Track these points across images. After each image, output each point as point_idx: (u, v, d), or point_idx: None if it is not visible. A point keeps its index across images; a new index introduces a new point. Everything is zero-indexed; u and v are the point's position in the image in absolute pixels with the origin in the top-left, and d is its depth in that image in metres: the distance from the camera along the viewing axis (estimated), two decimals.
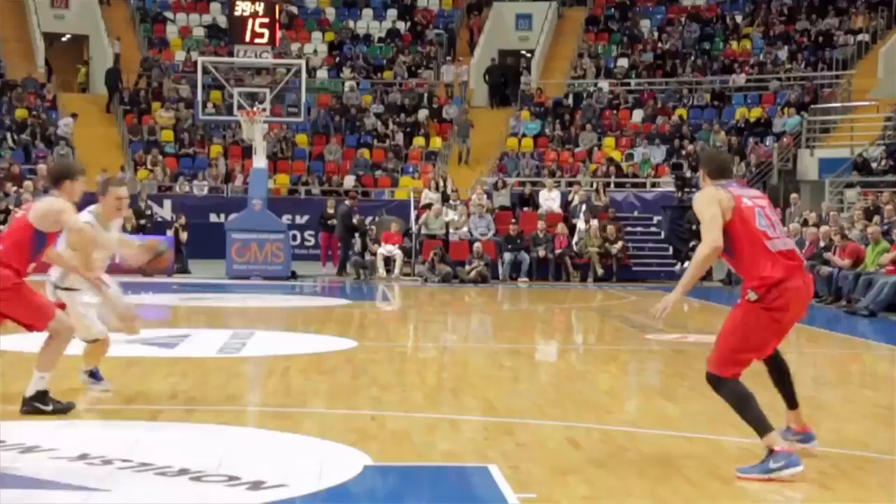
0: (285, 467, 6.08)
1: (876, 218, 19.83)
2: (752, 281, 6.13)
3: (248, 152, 27.24)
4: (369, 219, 25.33)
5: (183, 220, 23.93)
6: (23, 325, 7.38)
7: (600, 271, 23.76)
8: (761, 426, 6.04)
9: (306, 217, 27.01)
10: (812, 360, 12.18)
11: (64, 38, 35.15)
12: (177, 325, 14.05)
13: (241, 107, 23.71)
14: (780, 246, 6.19)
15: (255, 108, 23.58)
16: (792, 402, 6.61)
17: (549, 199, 25.26)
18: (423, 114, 32.52)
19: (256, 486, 5.62)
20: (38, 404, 7.39)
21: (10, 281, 7.13)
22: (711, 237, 6.21)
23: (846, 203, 25.22)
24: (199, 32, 35.34)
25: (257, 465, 6.06)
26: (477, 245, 23.31)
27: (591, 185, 27.09)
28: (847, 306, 16.87)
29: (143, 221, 23.76)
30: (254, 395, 9.05)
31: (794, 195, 24.84)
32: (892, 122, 27.56)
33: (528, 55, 35.31)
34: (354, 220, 24.21)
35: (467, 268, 23.05)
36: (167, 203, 27.01)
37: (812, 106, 29.89)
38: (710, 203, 6.25)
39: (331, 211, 24.70)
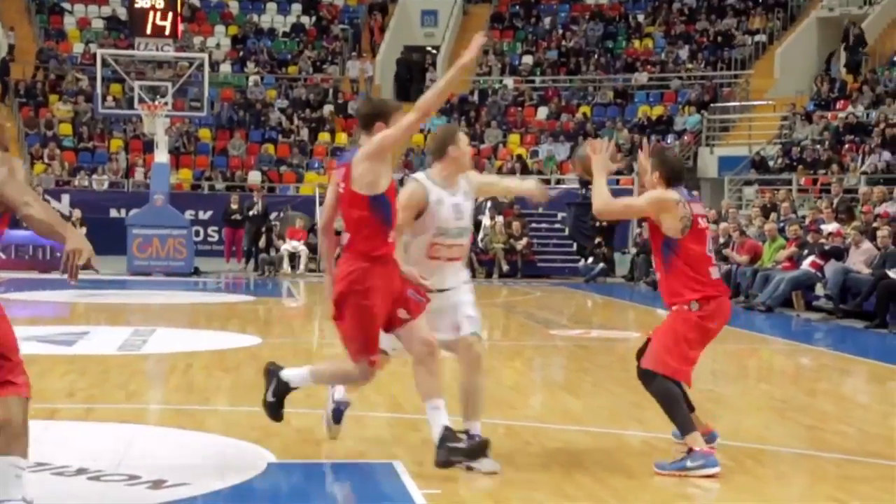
0: (187, 465, 6.00)
1: (773, 215, 20.24)
2: (694, 294, 6.14)
3: (149, 147, 26.86)
4: (274, 214, 25.15)
5: (79, 213, 23.46)
6: None
7: (505, 267, 23.95)
8: (686, 425, 6.10)
9: (209, 213, 26.74)
10: (711, 354, 12.45)
11: None
12: (75, 323, 13.80)
13: (142, 100, 23.41)
14: (715, 274, 6.30)
15: (156, 102, 23.29)
16: (689, 406, 6.63)
17: None
18: (328, 109, 32.36)
19: (157, 484, 5.53)
20: None
21: None
22: (611, 205, 6.31)
23: (745, 200, 25.68)
24: (98, 24, 34.71)
25: (158, 464, 5.97)
26: None
27: None
28: (745, 302, 17.04)
29: None
30: (155, 393, 8.95)
31: (694, 192, 25.27)
32: (788, 121, 28.19)
33: (434, 51, 35.37)
34: (269, 216, 24.15)
35: None
36: (65, 198, 26.48)
37: (712, 105, 30.39)
38: (657, 203, 6.23)
39: (234, 206, 24.48)
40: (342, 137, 31.54)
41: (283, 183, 29.33)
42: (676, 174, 6.37)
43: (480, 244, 23.98)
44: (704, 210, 6.59)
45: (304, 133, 31.42)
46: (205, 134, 31.15)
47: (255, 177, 29.25)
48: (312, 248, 23.79)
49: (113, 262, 22.75)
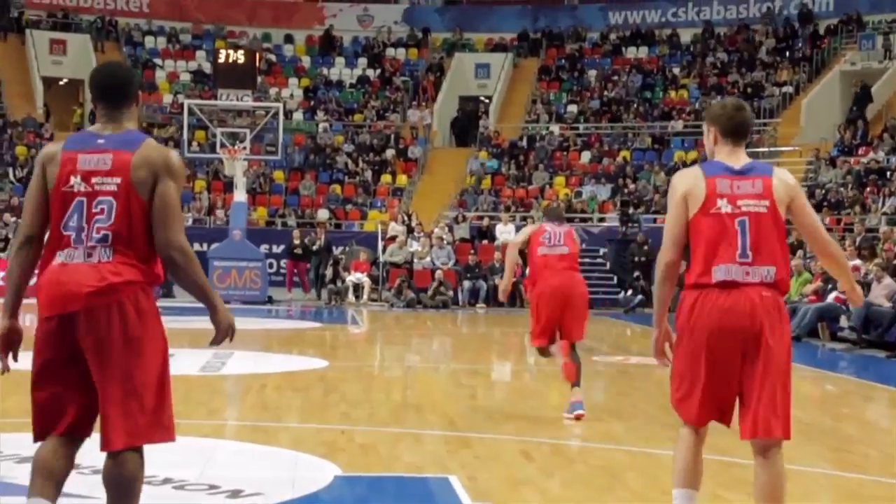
0: (261, 477, 6.02)
1: (799, 252, 20.07)
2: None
3: (229, 187, 27.13)
4: (340, 249, 25.29)
5: None
6: None
7: None
8: None
9: (282, 247, 26.91)
10: None
11: (61, 82, 34.84)
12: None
13: (223, 145, 23.65)
14: None
15: (236, 147, 23.52)
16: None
17: (505, 232, 25.31)
18: (390, 153, 32.54)
19: (235, 494, 5.56)
20: None
21: None
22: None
23: None
24: (185, 77, 35.20)
25: (236, 475, 6.00)
26: (439, 273, 23.33)
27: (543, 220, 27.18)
28: None
29: None
30: (232, 410, 8.96)
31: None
32: (813, 165, 27.90)
33: (487, 101, 35.41)
34: (332, 249, 24.24)
35: (430, 294, 23.23)
36: None
37: None
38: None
39: (297, 241, 24.65)
40: (402, 179, 31.71)
41: (349, 220, 29.47)
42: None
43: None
44: None
45: (368, 174, 31.60)
46: (278, 175, 31.40)
47: (323, 214, 29.43)
48: (375, 280, 23.87)
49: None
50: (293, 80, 35.75)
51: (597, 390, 11.16)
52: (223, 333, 4.11)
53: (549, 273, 8.31)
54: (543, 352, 8.63)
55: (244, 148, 23.65)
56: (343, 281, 23.76)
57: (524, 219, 26.92)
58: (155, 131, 31.98)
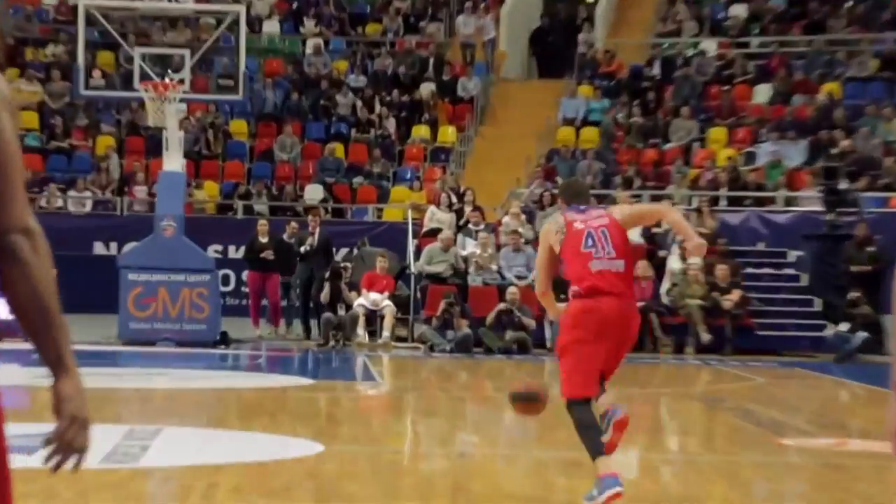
0: None
1: None
2: None
3: (155, 147, 27.17)
4: (343, 252, 25.15)
5: None
6: None
7: (706, 337, 23.70)
8: None
9: (243, 247, 26.84)
10: None
11: None
12: (38, 419, 13.75)
13: (145, 77, 23.75)
14: None
15: (167, 80, 23.56)
16: None
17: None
18: (426, 89, 32.41)
19: None
20: None
21: None
22: None
23: None
24: None
25: None
26: (512, 293, 23.20)
27: (690, 202, 26.89)
28: None
29: None
30: None
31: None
32: None
33: (591, 1, 35.28)
34: (333, 253, 24.22)
35: (492, 324, 23.02)
36: None
37: None
38: None
39: (264, 239, 24.60)
40: (448, 133, 31.55)
41: (358, 203, 29.41)
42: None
43: (666, 299, 23.72)
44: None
45: (391, 126, 31.50)
46: (239, 128, 31.40)
47: (314, 193, 29.38)
48: (402, 304, 23.73)
49: (98, 325, 22.91)
50: None
51: (790, 496, 11.06)
52: (61, 434, 3.49)
53: (605, 300, 9.15)
54: (579, 408, 9.34)
55: (181, 81, 23.76)
56: (348, 307, 23.66)
57: (655, 200, 26.67)
58: (28, 52, 32.10)
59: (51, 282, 3.41)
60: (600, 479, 8.96)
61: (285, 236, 25.13)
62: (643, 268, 24.03)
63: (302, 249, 24.70)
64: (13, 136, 3.48)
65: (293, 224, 25.52)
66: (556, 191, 27.71)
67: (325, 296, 23.98)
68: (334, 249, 25.92)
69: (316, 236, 24.90)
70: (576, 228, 9.21)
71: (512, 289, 23.57)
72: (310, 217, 25.93)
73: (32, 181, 29.57)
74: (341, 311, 23.88)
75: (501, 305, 23.15)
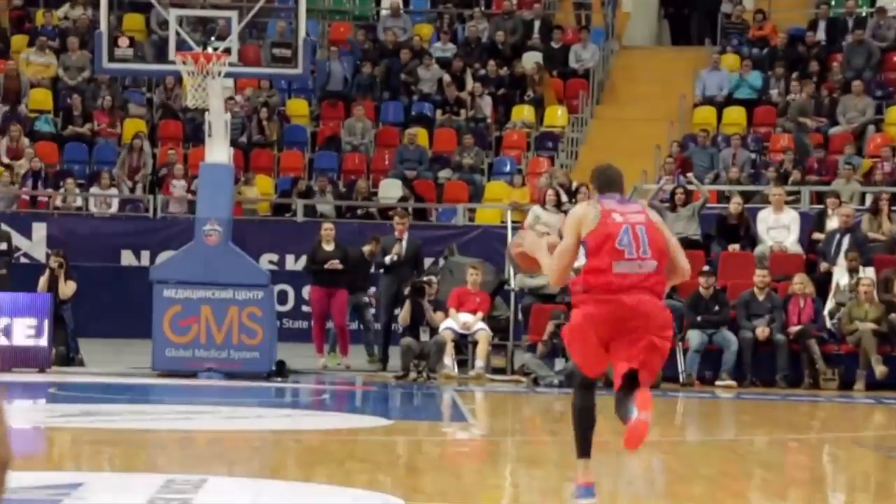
0: None
1: None
2: None
3: (195, 134, 27.52)
4: (427, 263, 25.41)
5: (60, 260, 24.10)
6: None
7: (881, 369, 23.49)
8: None
9: (304, 258, 27.11)
10: None
11: None
12: (60, 467, 14.07)
13: (183, 46, 23.97)
14: None
15: (209, 50, 23.81)
16: None
17: (778, 226, 25.14)
18: (529, 60, 32.61)
19: None
20: None
21: None
22: None
23: None
24: None
25: None
26: None
27: (863, 200, 26.89)
28: None
29: None
30: None
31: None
32: None
33: None
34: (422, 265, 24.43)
35: None
36: (39, 229, 27.30)
37: None
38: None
39: (328, 247, 24.81)
40: (557, 114, 31.70)
41: (445, 202, 29.64)
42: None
43: (830, 323, 23.67)
44: None
45: (486, 105, 31.72)
46: (298, 108, 31.75)
47: (390, 189, 29.64)
48: (500, 328, 23.87)
49: (128, 352, 23.23)
50: None
51: None
52: None
53: (620, 297, 10.45)
54: (586, 394, 10.99)
55: (226, 52, 23.95)
56: (433, 331, 23.85)
57: (819, 198, 26.73)
58: (39, 15, 32.53)
59: None
60: (578, 486, 10.64)
61: (365, 248, 25.33)
62: (801, 282, 24.06)
63: (387, 260, 24.94)
64: None
65: (375, 238, 25.64)
66: (691, 186, 27.94)
67: (403, 317, 24.19)
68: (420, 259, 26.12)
69: (404, 243, 25.13)
70: (613, 221, 10.30)
71: None
72: (395, 219, 26.07)
73: (45, 175, 29.98)
74: (424, 336, 24.09)
75: None
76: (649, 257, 10.30)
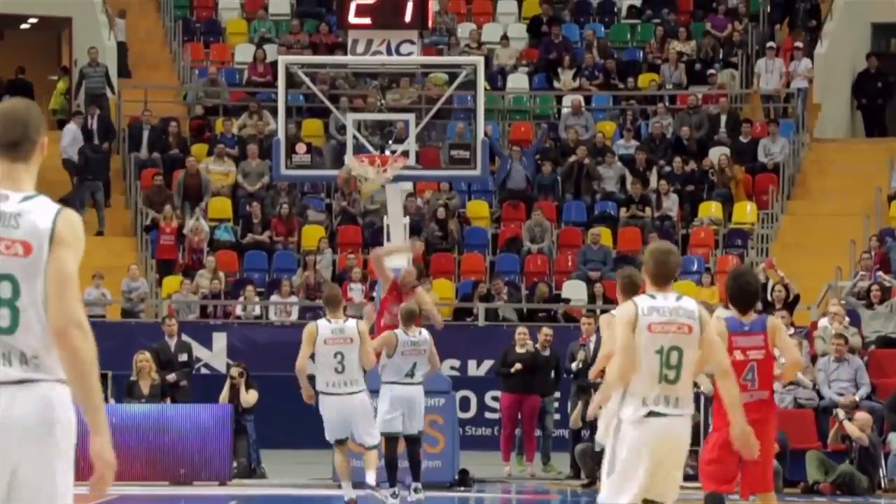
0: None
1: None
2: None
3: (374, 238, 27.41)
4: None
5: (242, 370, 24.05)
6: None
7: None
8: None
9: (489, 362, 26.93)
10: None
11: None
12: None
13: (360, 149, 23.86)
14: None
15: (386, 153, 23.69)
16: None
17: None
18: (718, 155, 32.26)
19: None
20: None
21: None
22: None
23: None
24: (279, 8, 36.11)
25: None
26: (839, 416, 22.72)
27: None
28: None
29: (172, 377, 24.00)
30: None
31: None
32: None
33: None
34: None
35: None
36: (219, 340, 27.28)
37: None
38: None
39: (521, 349, 24.54)
40: (746, 210, 31.27)
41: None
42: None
43: None
44: None
45: (671, 204, 31.40)
46: (479, 210, 31.64)
47: (574, 290, 29.36)
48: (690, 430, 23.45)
49: (311, 462, 22.98)
50: (507, 5, 36.08)
51: None
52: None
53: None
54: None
55: (404, 154, 23.84)
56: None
57: None
58: (218, 124, 32.72)
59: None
60: None
61: (538, 346, 25.09)
62: None
63: (573, 366, 24.64)
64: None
65: (545, 331, 25.47)
66: (888, 282, 27.40)
67: (575, 418, 23.85)
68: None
69: (591, 346, 24.79)
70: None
71: (839, 414, 23.17)
72: (582, 321, 25.86)
73: (228, 285, 29.99)
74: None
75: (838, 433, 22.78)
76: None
